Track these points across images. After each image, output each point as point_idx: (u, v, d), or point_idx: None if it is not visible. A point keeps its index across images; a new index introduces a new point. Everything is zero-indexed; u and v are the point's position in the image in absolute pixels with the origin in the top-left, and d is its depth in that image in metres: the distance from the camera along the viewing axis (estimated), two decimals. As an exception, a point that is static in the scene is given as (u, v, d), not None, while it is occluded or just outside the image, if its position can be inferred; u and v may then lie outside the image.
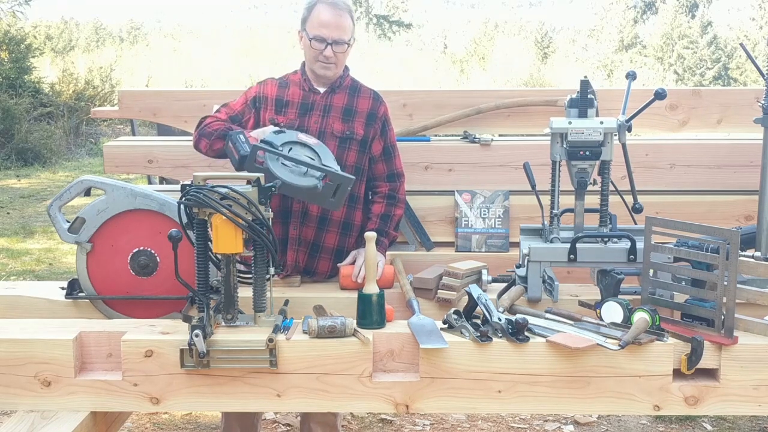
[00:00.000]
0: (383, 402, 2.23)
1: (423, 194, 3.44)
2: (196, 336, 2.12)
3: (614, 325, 2.27)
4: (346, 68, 3.02)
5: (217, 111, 2.99)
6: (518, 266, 2.74)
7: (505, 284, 2.71)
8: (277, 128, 2.73)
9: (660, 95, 2.76)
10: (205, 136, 2.85)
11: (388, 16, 33.08)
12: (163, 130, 5.45)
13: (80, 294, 2.65)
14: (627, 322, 2.27)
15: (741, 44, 3.55)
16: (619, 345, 2.15)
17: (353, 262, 2.87)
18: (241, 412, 2.79)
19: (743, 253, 2.65)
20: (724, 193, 3.43)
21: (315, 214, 2.89)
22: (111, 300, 2.63)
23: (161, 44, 23.62)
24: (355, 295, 2.37)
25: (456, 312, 2.30)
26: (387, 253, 3.04)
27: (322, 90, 2.96)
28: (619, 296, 2.43)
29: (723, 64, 30.63)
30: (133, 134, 6.54)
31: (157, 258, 2.60)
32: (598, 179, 2.68)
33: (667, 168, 3.44)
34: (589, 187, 2.66)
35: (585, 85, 2.65)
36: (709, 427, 3.68)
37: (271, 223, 2.28)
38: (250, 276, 2.33)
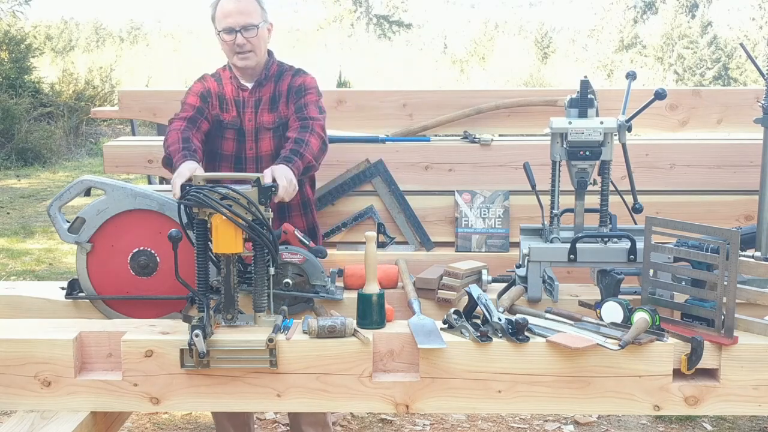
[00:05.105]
0: (383, 402, 2.23)
1: (423, 194, 3.43)
2: (196, 336, 2.12)
3: (614, 325, 2.26)
4: (271, 53, 2.97)
5: (183, 110, 2.92)
6: (518, 266, 2.74)
7: (505, 284, 2.70)
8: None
9: (660, 95, 2.76)
10: (167, 164, 2.77)
11: (388, 16, 33.13)
12: (163, 130, 5.42)
13: (80, 294, 2.65)
14: (627, 322, 2.27)
15: (741, 44, 3.55)
16: (619, 345, 2.14)
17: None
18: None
19: (743, 253, 2.65)
20: (724, 193, 3.43)
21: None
22: (111, 300, 2.63)
23: (161, 44, 23.59)
24: (355, 295, 2.37)
25: (456, 312, 2.30)
26: (390, 254, 3.03)
27: (249, 85, 2.93)
28: (619, 296, 2.43)
29: (723, 64, 30.64)
30: (133, 134, 6.53)
31: (157, 258, 2.59)
32: (598, 179, 2.68)
33: (667, 168, 3.43)
34: (589, 187, 2.66)
35: (585, 85, 2.65)
36: (709, 427, 3.68)
37: (271, 223, 2.28)
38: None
